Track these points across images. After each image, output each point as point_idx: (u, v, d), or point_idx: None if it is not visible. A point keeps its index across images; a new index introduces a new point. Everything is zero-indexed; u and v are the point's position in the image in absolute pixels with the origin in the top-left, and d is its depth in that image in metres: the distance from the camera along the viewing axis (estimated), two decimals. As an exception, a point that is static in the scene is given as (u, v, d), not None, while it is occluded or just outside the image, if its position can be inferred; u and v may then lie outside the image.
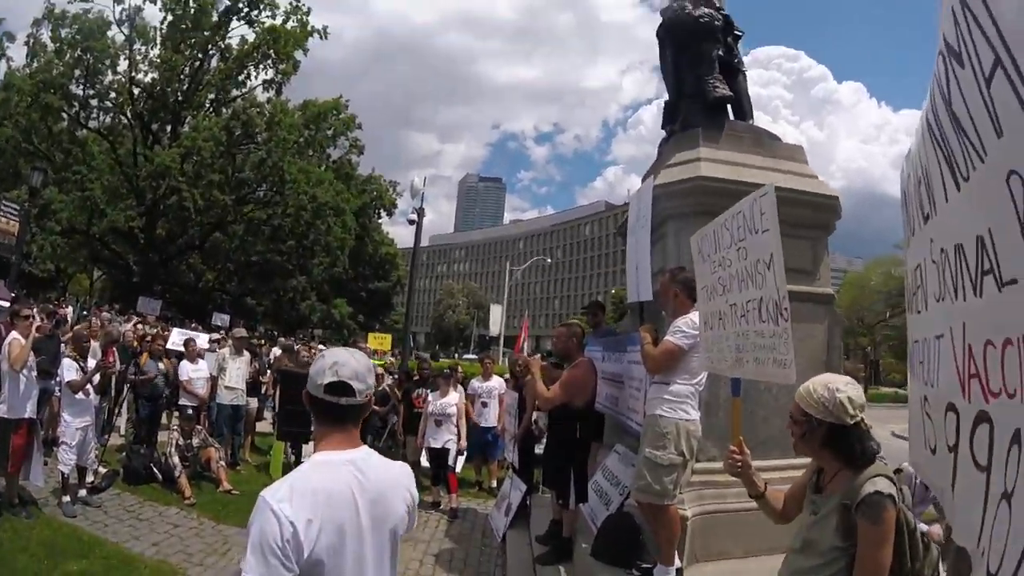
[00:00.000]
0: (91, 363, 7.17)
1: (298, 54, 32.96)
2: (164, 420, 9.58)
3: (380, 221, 43.03)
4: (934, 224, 1.72)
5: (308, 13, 32.57)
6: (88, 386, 6.93)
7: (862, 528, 2.17)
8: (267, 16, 32.30)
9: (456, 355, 64.01)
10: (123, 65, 30.72)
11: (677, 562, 4.14)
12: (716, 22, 6.37)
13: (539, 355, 7.19)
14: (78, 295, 46.86)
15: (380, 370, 11.00)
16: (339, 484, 1.84)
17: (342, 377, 1.91)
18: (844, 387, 2.28)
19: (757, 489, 2.67)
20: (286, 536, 1.68)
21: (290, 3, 32.26)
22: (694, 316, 3.94)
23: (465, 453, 9.45)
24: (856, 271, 60.59)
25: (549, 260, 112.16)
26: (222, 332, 17.41)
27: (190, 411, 8.68)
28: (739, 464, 2.65)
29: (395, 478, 2.04)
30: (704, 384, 4.21)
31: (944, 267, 1.61)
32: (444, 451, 8.26)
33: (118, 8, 30.11)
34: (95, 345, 8.38)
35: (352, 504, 1.84)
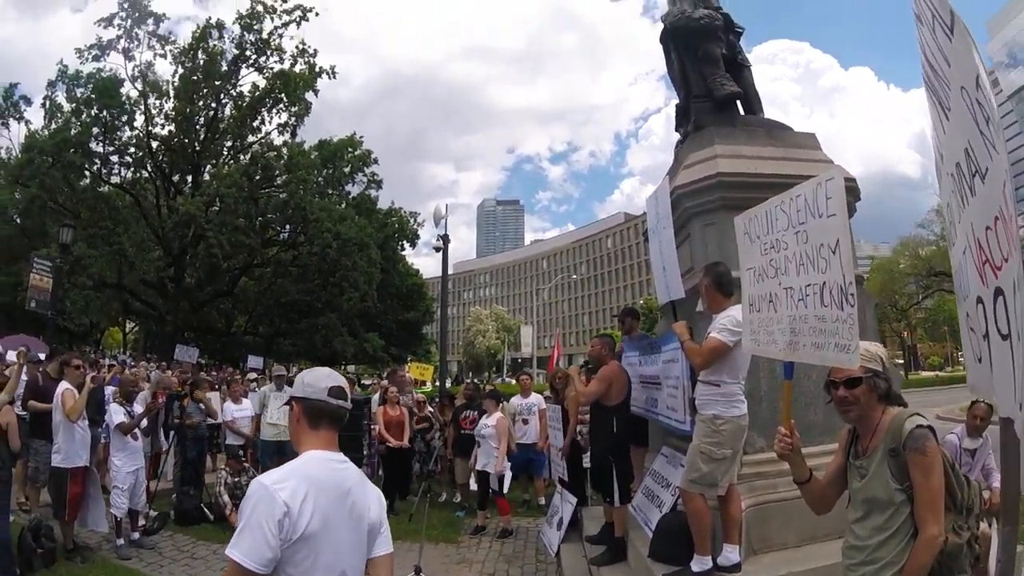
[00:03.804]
0: (137, 409, 7.33)
1: (309, 96, 33.63)
2: (209, 463, 9.70)
3: (404, 253, 43.53)
4: (945, 159, 2.06)
5: (315, 55, 33.25)
6: (136, 430, 7.08)
7: (913, 461, 2.31)
8: (275, 61, 33.00)
9: (488, 380, 63.89)
10: (139, 120, 31.34)
11: (736, 556, 4.18)
12: (716, 22, 6.48)
13: (576, 366, 7.23)
14: (111, 348, 47.85)
15: (422, 397, 11.11)
16: (330, 477, 2.03)
17: (339, 383, 2.17)
18: (879, 344, 2.66)
19: (804, 475, 2.69)
20: (278, 516, 1.83)
21: (296, 47, 32.96)
22: (735, 312, 3.99)
23: (509, 473, 9.47)
24: (883, 256, 59.47)
25: (575, 276, 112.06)
26: (260, 373, 17.62)
27: (238, 450, 8.83)
28: (790, 447, 2.63)
29: (373, 488, 2.24)
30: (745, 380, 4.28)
31: (955, 188, 1.95)
32: (485, 473, 8.27)
33: (130, 65, 30.91)
34: (143, 393, 8.60)
35: (339, 497, 2.02)
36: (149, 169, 32.70)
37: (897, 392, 2.54)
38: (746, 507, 4.47)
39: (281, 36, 32.72)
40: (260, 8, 32.00)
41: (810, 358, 2.69)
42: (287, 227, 34.71)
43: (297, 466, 2.01)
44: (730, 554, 4.18)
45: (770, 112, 6.87)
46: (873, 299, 5.89)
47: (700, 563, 4.13)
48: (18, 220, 30.54)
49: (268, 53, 32.84)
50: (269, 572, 1.84)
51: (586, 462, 7.75)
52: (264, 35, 32.54)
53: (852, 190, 5.69)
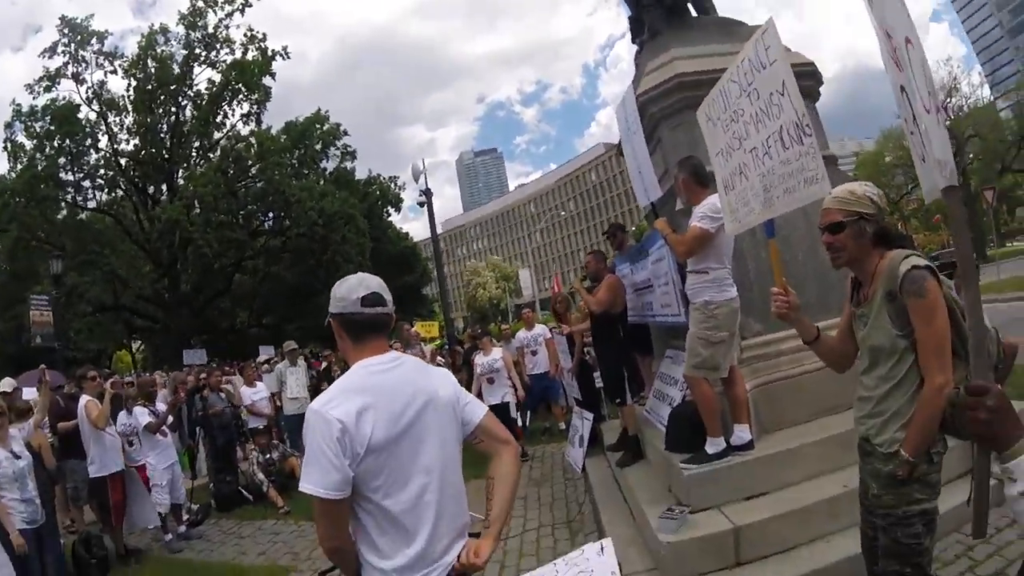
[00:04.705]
0: (160, 407, 7.49)
1: (267, 80, 33.29)
2: (239, 454, 9.91)
3: (391, 219, 43.49)
4: None
5: (264, 39, 32.73)
6: (163, 427, 7.25)
7: (912, 305, 2.18)
8: (226, 53, 32.60)
9: (498, 327, 64.17)
10: (104, 141, 31.16)
11: (747, 434, 4.38)
12: (657, -69, 6.46)
13: (577, 279, 7.39)
14: (121, 372, 48.04)
15: (433, 348, 11.34)
16: (382, 381, 1.95)
17: (372, 288, 2.04)
18: (871, 185, 2.40)
19: (811, 333, 2.61)
20: (335, 435, 1.79)
21: (245, 35, 32.46)
22: (713, 199, 4.12)
23: (528, 405, 9.72)
24: (869, 150, 59.24)
25: (564, 213, 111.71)
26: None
27: (262, 428, 9.05)
28: (787, 304, 2.55)
29: (436, 370, 2.21)
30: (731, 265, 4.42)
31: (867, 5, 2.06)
32: (503, 405, 8.46)
33: (82, 88, 30.43)
34: (163, 392, 8.78)
35: (402, 395, 1.95)
36: (123, 187, 32.54)
37: (897, 233, 2.39)
38: (751, 388, 4.65)
39: (227, 27, 32.29)
40: (201, 4, 31.45)
41: (786, 205, 2.72)
42: (270, 214, 34.70)
43: (346, 381, 1.96)
44: (741, 433, 4.37)
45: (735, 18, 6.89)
46: (846, 175, 6.01)
47: (714, 444, 4.31)
48: (6, 266, 30.52)
49: (217, 47, 32.40)
50: (346, 494, 1.82)
51: (598, 381, 7.98)
52: (210, 30, 32.09)
53: (811, 74, 5.78)
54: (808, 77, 5.70)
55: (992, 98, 49.53)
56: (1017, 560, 3.38)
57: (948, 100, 38.92)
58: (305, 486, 1.81)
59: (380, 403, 1.89)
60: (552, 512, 6.17)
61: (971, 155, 39.59)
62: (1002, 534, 3.69)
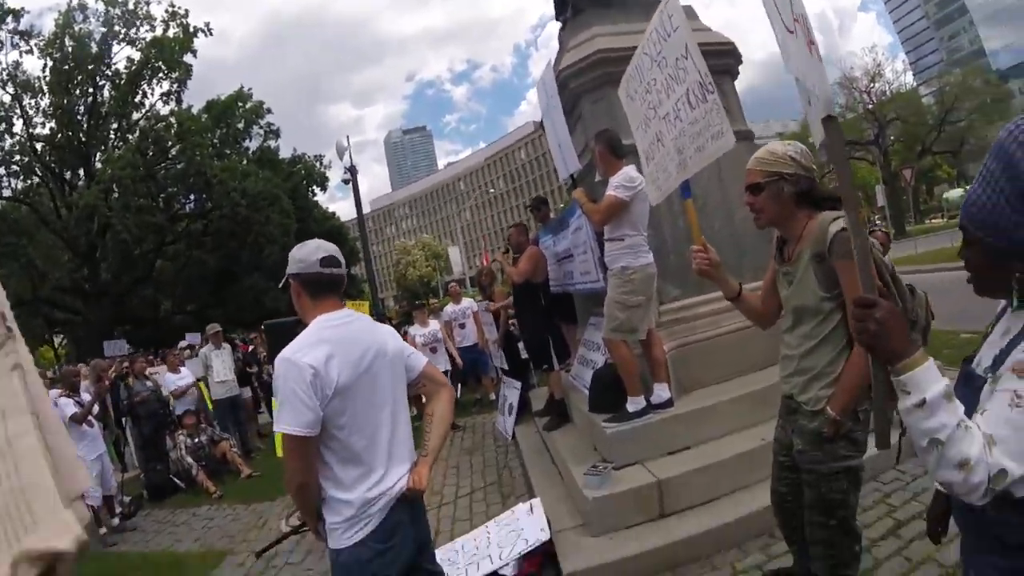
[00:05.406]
0: (85, 397, 7.23)
1: (188, 58, 32.12)
2: (169, 443, 9.69)
3: (316, 199, 42.64)
4: None
5: (186, 15, 31.50)
6: (90, 416, 6.99)
7: (840, 268, 2.15)
8: (146, 31, 31.30)
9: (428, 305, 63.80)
10: (19, 125, 29.66)
11: (666, 393, 4.60)
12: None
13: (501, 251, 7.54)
14: (44, 368, 45.73)
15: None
16: (343, 333, 2.20)
17: (330, 252, 2.28)
18: (795, 144, 2.36)
19: (733, 290, 2.60)
20: (307, 378, 2.01)
21: (166, 11, 31.17)
22: (628, 170, 4.29)
23: (458, 377, 9.88)
24: (793, 132, 61.55)
25: (492, 191, 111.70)
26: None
27: (189, 411, 8.88)
28: (707, 261, 2.54)
29: (382, 327, 2.44)
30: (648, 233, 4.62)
31: None
32: (444, 374, 8.57)
33: (-3, 69, 28.75)
34: (85, 383, 8.51)
35: (359, 345, 2.20)
36: (39, 173, 31.03)
37: (826, 193, 2.33)
38: (669, 350, 4.87)
39: (148, 3, 31.05)
40: (121, -22, 29.94)
41: (698, 164, 2.77)
42: (191, 196, 33.56)
43: (311, 333, 2.16)
44: (661, 392, 4.59)
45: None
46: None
47: (634, 403, 4.51)
48: None
49: (137, 24, 31.06)
50: (316, 432, 2.02)
51: (524, 352, 8.17)
52: (130, 6, 30.76)
53: (730, 52, 6.02)
54: (727, 55, 5.95)
55: (915, 84, 51.46)
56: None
57: (872, 84, 40.35)
58: (280, 426, 2.02)
59: (341, 352, 2.12)
60: (484, 477, 6.31)
61: (892, 137, 41.28)
62: (918, 481, 4.00)
